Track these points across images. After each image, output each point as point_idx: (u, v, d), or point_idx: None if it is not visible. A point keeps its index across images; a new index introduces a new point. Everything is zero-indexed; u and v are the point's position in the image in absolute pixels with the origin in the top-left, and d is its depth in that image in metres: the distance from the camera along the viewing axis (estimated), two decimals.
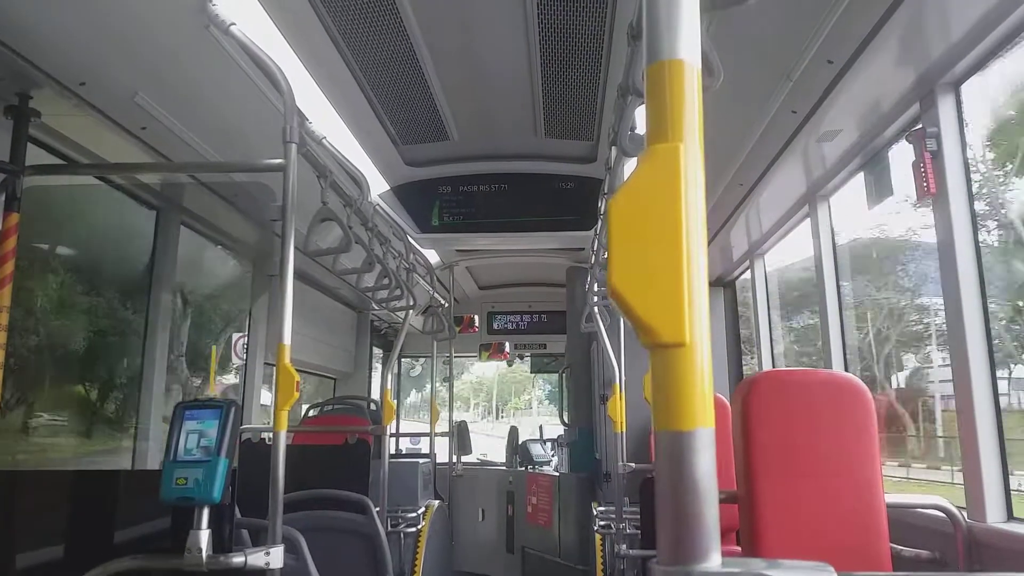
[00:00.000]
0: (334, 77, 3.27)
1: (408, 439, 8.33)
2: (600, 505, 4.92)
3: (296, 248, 2.27)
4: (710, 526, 0.64)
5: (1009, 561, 2.14)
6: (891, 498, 2.19)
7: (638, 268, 0.65)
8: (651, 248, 0.65)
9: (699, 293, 0.65)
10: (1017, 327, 4.63)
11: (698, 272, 0.66)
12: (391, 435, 5.05)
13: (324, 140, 3.20)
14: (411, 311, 4.47)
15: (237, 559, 1.90)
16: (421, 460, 5.02)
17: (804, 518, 2.11)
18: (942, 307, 2.54)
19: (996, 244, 3.66)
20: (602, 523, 4.37)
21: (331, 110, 3.44)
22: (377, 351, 7.57)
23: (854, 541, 2.09)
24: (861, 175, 3.23)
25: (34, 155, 2.51)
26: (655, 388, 0.67)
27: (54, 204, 3.39)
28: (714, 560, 0.63)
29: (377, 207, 4.03)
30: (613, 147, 2.60)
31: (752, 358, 5.28)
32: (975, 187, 2.51)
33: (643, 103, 2.16)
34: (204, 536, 1.86)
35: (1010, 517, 2.27)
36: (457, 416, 6.67)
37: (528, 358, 8.53)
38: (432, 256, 5.78)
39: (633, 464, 3.89)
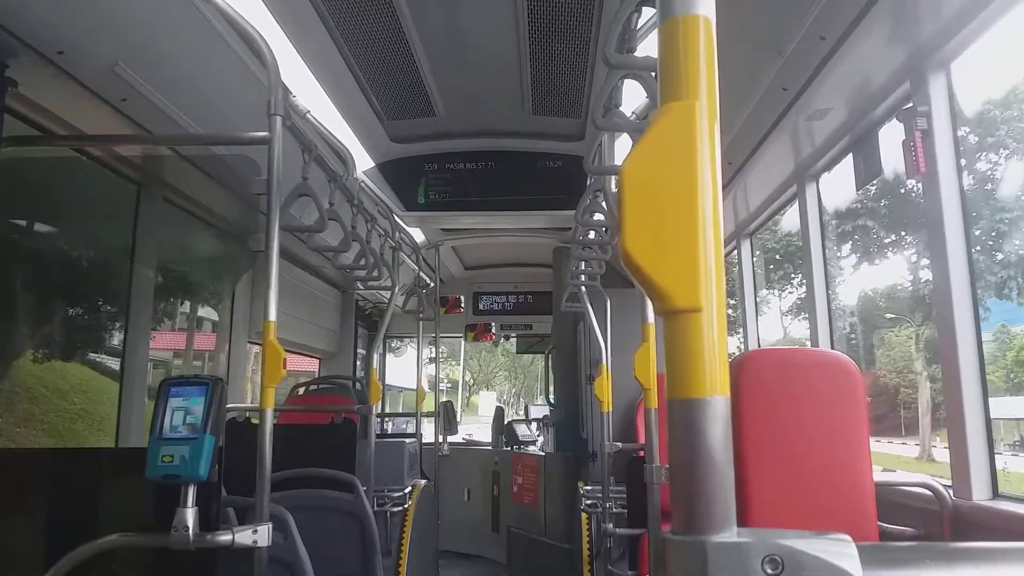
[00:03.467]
0: (318, 50, 3.20)
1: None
2: (586, 484, 4.93)
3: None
4: (727, 496, 0.63)
5: (993, 538, 2.16)
6: (879, 476, 2.20)
7: (652, 232, 0.62)
8: (666, 210, 0.63)
9: (715, 256, 0.63)
10: None
11: (714, 234, 0.64)
12: (377, 415, 5.03)
13: (308, 114, 3.15)
14: (396, 291, 4.43)
15: (224, 537, 1.88)
16: (407, 440, 5.00)
17: (792, 496, 2.11)
18: None
19: None
20: (588, 502, 4.39)
21: (315, 84, 3.38)
22: (363, 332, 7.53)
23: (842, 519, 2.10)
24: (850, 155, 3.22)
25: (10, 127, 2.44)
26: (668, 356, 0.65)
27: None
28: (731, 530, 0.61)
29: (362, 184, 3.97)
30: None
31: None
32: None
33: (625, 77, 2.14)
34: (191, 514, 1.83)
35: (995, 495, 2.30)
36: None
37: (514, 338, 8.52)
38: (418, 235, 5.73)
39: (620, 444, 3.89)
